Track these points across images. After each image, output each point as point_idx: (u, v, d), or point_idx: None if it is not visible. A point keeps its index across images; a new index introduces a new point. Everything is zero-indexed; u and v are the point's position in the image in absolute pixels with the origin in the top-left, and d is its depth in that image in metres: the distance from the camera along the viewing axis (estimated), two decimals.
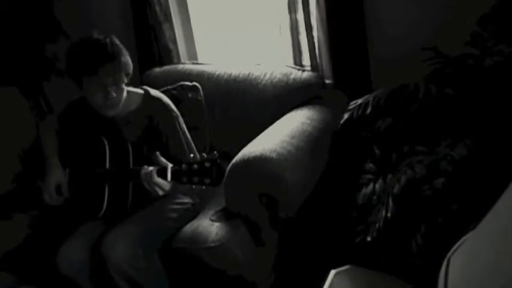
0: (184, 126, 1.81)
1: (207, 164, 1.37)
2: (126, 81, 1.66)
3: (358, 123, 1.65)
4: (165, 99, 1.82)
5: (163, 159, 1.50)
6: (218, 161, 1.38)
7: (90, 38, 1.62)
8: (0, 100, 2.48)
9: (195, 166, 1.39)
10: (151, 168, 1.48)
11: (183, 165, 1.41)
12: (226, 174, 1.57)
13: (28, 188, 1.86)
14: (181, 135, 1.76)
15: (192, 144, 1.80)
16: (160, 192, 1.50)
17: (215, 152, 1.41)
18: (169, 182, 1.48)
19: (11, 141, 2.05)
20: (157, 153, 1.51)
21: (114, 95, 1.62)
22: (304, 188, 1.72)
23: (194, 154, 1.45)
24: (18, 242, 1.98)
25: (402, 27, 1.94)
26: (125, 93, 1.67)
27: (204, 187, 1.39)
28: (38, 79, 2.69)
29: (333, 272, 1.05)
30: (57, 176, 1.73)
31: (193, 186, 1.41)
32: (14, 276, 1.96)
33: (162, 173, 1.47)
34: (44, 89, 2.73)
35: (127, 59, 1.66)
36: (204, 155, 1.40)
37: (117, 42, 1.65)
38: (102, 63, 1.57)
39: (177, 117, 1.78)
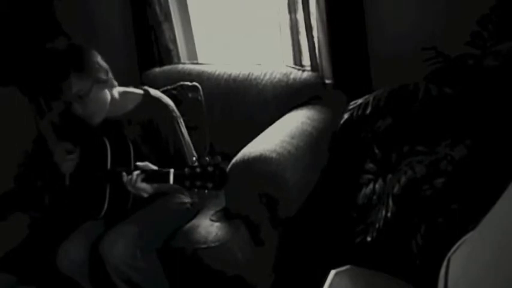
0: (184, 128, 1.79)
1: (209, 168, 1.38)
2: (105, 86, 1.60)
3: (358, 123, 1.65)
4: (166, 100, 1.79)
5: (140, 164, 1.54)
6: (221, 165, 1.39)
7: (44, 54, 1.54)
8: (0, 100, 2.47)
9: (198, 170, 1.39)
10: (136, 173, 1.50)
11: (186, 169, 1.40)
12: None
13: (28, 188, 1.86)
14: (181, 137, 1.74)
15: (191, 146, 1.78)
16: (145, 195, 1.54)
17: (218, 156, 1.41)
18: (152, 186, 1.52)
19: (11, 141, 2.05)
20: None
21: (80, 111, 1.57)
22: (304, 188, 1.72)
23: (192, 157, 1.44)
24: (18, 242, 1.98)
25: (402, 27, 1.94)
26: (107, 98, 1.62)
27: (206, 191, 1.39)
28: None
29: (333, 272, 1.05)
30: (63, 145, 1.73)
31: (196, 190, 1.41)
32: (14, 276, 1.96)
33: (147, 178, 1.50)
34: None
35: (94, 64, 1.56)
36: (207, 158, 1.40)
37: (78, 48, 1.55)
38: (57, 89, 1.51)
39: (177, 118, 1.76)
